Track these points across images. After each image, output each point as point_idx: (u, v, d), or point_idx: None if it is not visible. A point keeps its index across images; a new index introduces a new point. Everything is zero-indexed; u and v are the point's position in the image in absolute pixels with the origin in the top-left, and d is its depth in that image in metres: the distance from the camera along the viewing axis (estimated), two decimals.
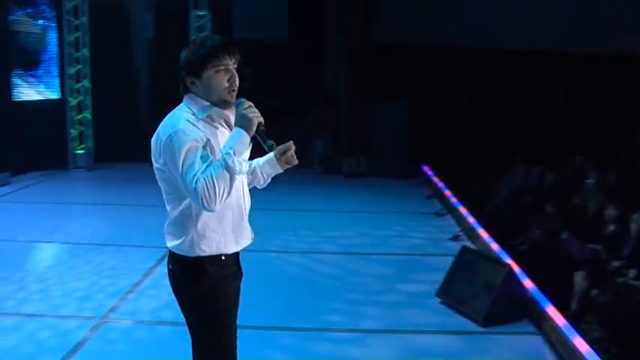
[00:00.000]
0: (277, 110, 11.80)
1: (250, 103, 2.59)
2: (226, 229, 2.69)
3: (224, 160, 2.45)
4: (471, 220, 7.27)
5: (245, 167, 2.56)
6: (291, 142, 2.90)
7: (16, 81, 10.53)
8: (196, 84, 2.62)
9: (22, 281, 5.72)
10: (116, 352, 4.42)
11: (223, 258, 2.71)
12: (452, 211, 8.16)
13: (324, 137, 11.31)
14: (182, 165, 2.47)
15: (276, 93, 11.97)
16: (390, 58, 10.91)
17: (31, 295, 5.37)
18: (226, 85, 2.60)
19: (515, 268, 5.51)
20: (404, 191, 9.82)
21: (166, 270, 2.81)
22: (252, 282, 5.68)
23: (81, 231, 7.64)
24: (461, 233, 7.23)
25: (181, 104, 2.67)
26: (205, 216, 2.61)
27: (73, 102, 11.58)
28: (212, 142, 2.56)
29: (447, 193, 8.68)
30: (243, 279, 2.88)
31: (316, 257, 6.66)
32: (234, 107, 2.63)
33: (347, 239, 7.32)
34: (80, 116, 11.65)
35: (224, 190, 2.45)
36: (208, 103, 2.62)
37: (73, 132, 11.62)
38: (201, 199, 2.43)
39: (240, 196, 2.75)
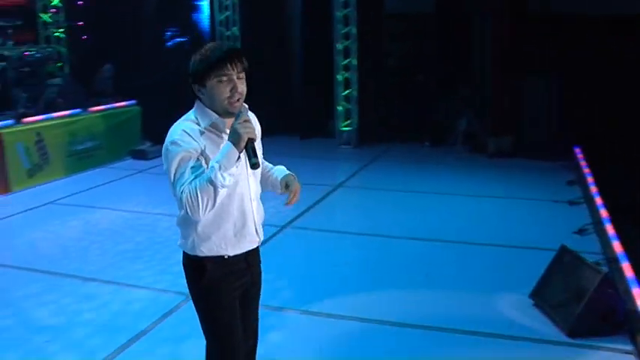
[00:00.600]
0: (425, 86, 11.47)
1: (247, 117, 2.62)
2: (227, 233, 2.78)
3: (208, 173, 2.54)
4: (603, 212, 6.52)
5: (228, 181, 2.57)
6: (297, 183, 2.96)
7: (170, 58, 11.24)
8: (202, 92, 2.69)
9: (135, 252, 6.19)
10: None
11: (226, 257, 2.81)
12: (590, 200, 7.38)
13: (469, 114, 10.75)
14: (174, 175, 2.63)
15: (425, 69, 11.62)
16: (543, 30, 10.01)
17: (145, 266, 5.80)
18: (228, 94, 2.65)
19: (629, 273, 4.88)
20: (546, 175, 9.05)
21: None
22: (361, 267, 5.83)
23: None
24: (588, 227, 6.51)
25: (190, 111, 2.78)
26: (204, 220, 2.72)
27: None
28: (211, 151, 2.66)
29: (589, 179, 7.86)
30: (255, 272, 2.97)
31: (426, 244, 6.41)
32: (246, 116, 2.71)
33: (463, 225, 6.96)
34: None
35: (207, 202, 2.55)
36: (213, 113, 2.71)
37: None
38: (186, 209, 2.59)
39: (244, 202, 2.82)
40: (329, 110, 11.75)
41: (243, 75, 2.69)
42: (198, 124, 2.69)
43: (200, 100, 2.74)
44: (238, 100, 2.67)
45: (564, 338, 4.36)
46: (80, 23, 11.75)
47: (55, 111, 9.31)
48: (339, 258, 6.13)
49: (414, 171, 9.67)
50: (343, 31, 11.34)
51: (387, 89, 11.65)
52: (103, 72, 10.59)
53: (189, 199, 2.54)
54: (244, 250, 2.85)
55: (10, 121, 8.52)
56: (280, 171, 3.07)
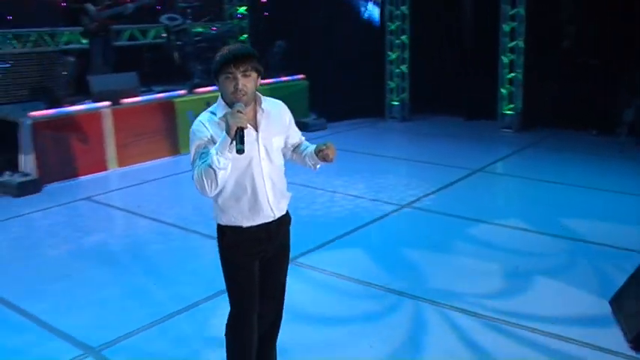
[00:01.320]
0: (598, 70, 10.84)
1: (239, 109, 3.02)
2: (242, 207, 3.25)
3: (208, 159, 2.99)
4: None
5: (223, 164, 3.00)
6: (330, 143, 3.31)
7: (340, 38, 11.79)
8: (218, 86, 3.16)
9: None
10: None
11: (243, 228, 3.27)
12: None
13: (637, 103, 9.98)
14: (192, 159, 3.14)
15: (598, 52, 10.96)
16: None
17: None
18: (232, 89, 3.06)
19: None
20: None
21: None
22: (458, 253, 6.06)
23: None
24: None
25: (215, 103, 3.24)
26: (223, 195, 3.23)
27: (392, 56, 12.43)
28: (219, 137, 3.04)
29: None
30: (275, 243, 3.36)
31: (536, 237, 6.30)
32: (259, 108, 3.21)
33: (587, 223, 6.63)
34: (398, 70, 12.46)
35: (211, 182, 3.02)
36: (226, 105, 3.13)
37: (391, 84, 12.52)
38: (197, 188, 3.09)
39: (257, 181, 3.23)
40: (495, 93, 11.59)
41: (250, 73, 3.08)
42: (215, 115, 3.15)
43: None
44: (244, 95, 3.06)
45: (628, 351, 4.19)
46: (263, 0, 12.71)
47: None
48: (444, 243, 6.23)
49: (566, 160, 9.30)
50: (511, 13, 11.08)
51: (555, 73, 11.17)
52: (274, 47, 11.43)
53: (198, 181, 3.03)
54: (258, 223, 3.27)
55: (183, 91, 9.66)
56: (310, 148, 3.45)
